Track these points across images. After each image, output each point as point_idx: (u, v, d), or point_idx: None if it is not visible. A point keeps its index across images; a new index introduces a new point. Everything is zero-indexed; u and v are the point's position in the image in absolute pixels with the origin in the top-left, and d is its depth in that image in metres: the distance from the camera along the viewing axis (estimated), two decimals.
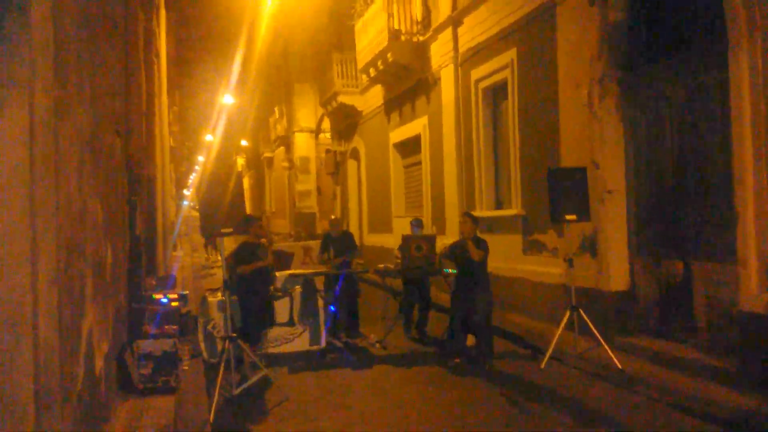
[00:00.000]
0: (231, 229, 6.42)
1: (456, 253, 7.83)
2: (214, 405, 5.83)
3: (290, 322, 8.01)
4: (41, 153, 3.45)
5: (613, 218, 8.09)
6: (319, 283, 9.01)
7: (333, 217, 10.40)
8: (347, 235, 9.69)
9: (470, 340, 7.88)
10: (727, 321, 6.60)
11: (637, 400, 6.24)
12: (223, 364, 6.28)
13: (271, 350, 7.88)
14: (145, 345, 6.28)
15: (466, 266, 7.67)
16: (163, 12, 15.71)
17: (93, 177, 4.97)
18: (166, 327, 6.94)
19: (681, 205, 7.28)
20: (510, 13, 10.36)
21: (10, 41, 3.25)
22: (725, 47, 6.27)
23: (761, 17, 5.88)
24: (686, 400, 5.95)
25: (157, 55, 13.70)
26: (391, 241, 16.00)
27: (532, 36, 9.92)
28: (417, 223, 9.85)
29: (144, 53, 10.07)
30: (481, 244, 7.67)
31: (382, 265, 9.65)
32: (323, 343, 8.35)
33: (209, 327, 7.70)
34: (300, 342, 8.08)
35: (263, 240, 7.87)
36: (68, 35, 4.14)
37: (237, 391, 6.46)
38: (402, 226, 15.04)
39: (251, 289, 7.36)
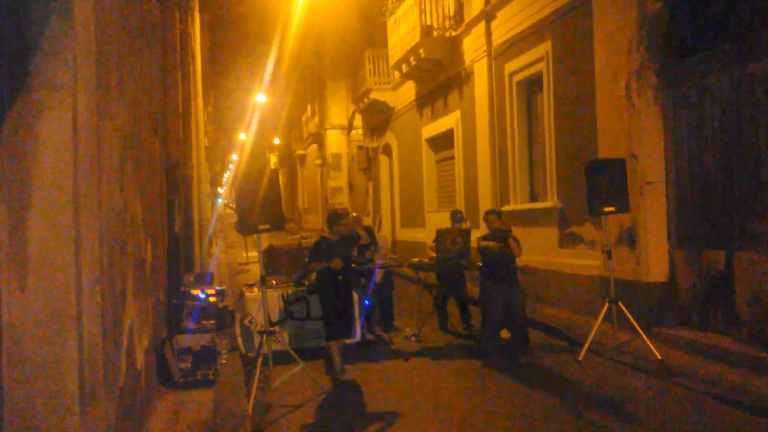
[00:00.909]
0: (268, 226, 6.48)
1: (488, 248, 7.73)
2: (252, 398, 5.90)
3: None
4: (84, 153, 3.52)
5: (652, 209, 7.97)
6: None
7: (354, 214, 10.35)
8: (368, 232, 9.62)
9: (504, 333, 7.85)
10: None
11: (677, 391, 6.15)
12: (260, 358, 6.35)
13: (308, 344, 7.94)
14: (184, 340, 6.38)
15: (500, 261, 7.61)
16: (197, 14, 15.89)
17: (133, 176, 5.07)
18: (205, 322, 7.03)
19: (724, 196, 7.14)
20: (545, 5, 10.25)
21: (54, 45, 3.33)
22: None
23: None
24: (728, 392, 5.85)
25: (193, 57, 13.87)
26: (424, 235, 16.00)
27: (567, 27, 9.80)
28: (458, 216, 9.76)
29: (180, 55, 10.21)
30: (518, 241, 7.64)
31: (416, 259, 9.64)
32: (357, 337, 8.38)
33: (246, 321, 7.79)
34: None
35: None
36: (109, 38, 4.22)
37: (275, 384, 6.53)
38: (435, 221, 15.01)
39: (324, 284, 7.09)
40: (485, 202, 12.60)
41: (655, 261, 7.92)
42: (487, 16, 12.27)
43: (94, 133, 3.76)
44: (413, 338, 8.73)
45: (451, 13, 14.26)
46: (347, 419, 5.85)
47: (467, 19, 13.22)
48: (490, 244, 7.61)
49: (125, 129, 4.81)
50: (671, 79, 7.88)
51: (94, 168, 3.77)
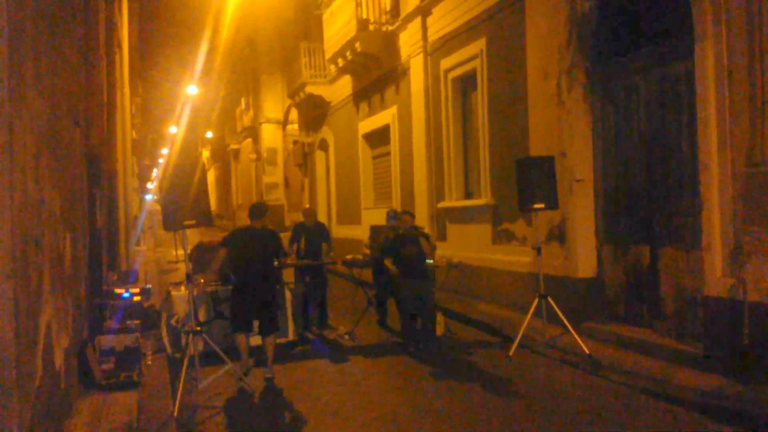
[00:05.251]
0: (194, 222, 6.26)
1: (396, 247, 7.91)
2: (177, 399, 5.69)
3: None
4: None
5: (580, 207, 8.13)
6: (288, 274, 8.90)
7: (307, 206, 10.20)
8: (321, 226, 9.54)
9: (419, 323, 8.08)
10: (692, 306, 6.68)
11: (603, 384, 6.29)
12: (186, 359, 6.15)
13: None
14: (107, 340, 6.14)
15: (410, 259, 7.79)
16: (125, 1, 15.36)
17: (51, 168, 4.83)
18: (129, 322, 6.78)
19: (649, 194, 7.34)
20: (479, 2, 10.34)
21: None
22: (693, 38, 6.32)
23: (726, 10, 5.94)
24: (653, 384, 6.02)
25: (119, 45, 13.40)
26: (360, 232, 15.94)
27: (501, 26, 9.90)
28: (392, 215, 9.75)
29: (105, 43, 9.83)
30: (429, 238, 7.86)
31: (350, 256, 9.57)
32: (291, 336, 8.25)
33: (172, 321, 7.54)
34: None
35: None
36: (25, 23, 4.01)
37: (202, 385, 6.33)
38: (371, 218, 14.98)
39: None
40: (421, 199, 12.65)
41: (583, 257, 8.09)
42: (423, 11, 12.30)
43: (7, 121, 3.56)
44: (347, 336, 8.65)
45: (388, 8, 14.23)
46: (275, 418, 5.74)
47: (403, 13, 13.21)
48: (392, 269, 7.88)
49: (42, 118, 4.57)
50: (600, 79, 8.05)
51: (6, 158, 3.57)
